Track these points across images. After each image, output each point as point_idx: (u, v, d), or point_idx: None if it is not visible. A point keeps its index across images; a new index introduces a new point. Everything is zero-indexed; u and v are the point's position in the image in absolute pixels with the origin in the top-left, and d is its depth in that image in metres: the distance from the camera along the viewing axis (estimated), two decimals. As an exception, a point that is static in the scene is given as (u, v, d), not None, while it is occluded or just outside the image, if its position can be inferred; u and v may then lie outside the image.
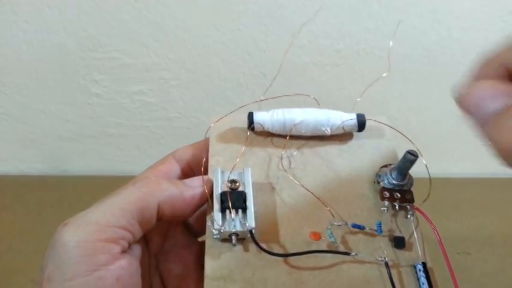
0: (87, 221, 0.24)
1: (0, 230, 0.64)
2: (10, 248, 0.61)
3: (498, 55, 0.22)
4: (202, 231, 0.31)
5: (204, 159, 0.30)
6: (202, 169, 0.30)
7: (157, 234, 0.29)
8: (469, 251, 0.55)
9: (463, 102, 0.20)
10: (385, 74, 0.33)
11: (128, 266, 0.24)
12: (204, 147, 0.31)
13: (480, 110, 0.19)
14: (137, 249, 0.27)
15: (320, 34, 0.63)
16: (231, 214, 0.26)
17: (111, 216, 0.24)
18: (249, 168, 0.29)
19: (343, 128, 0.31)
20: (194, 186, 0.28)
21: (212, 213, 0.27)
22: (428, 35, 0.63)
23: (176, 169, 0.31)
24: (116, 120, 0.71)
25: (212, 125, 0.32)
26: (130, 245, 0.25)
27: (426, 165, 0.30)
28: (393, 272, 0.26)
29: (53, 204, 0.68)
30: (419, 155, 0.27)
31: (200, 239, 0.33)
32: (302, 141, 0.32)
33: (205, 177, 0.29)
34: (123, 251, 0.25)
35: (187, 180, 0.29)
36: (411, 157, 0.27)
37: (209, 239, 0.27)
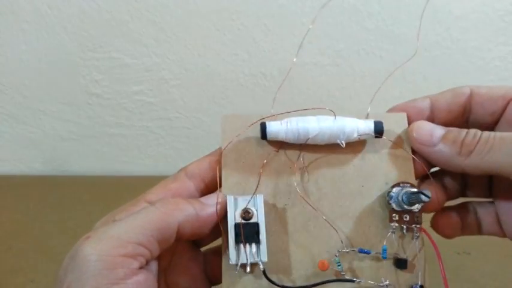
0: (109, 235, 0.25)
1: (0, 230, 0.64)
2: (10, 248, 0.61)
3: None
4: (206, 242, 0.32)
5: (218, 171, 0.30)
6: (218, 183, 0.30)
7: (168, 250, 0.29)
8: (469, 251, 0.55)
9: (417, 137, 0.30)
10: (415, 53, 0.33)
11: (144, 281, 0.25)
12: (216, 159, 0.31)
13: (431, 136, 0.29)
14: (153, 266, 0.27)
15: (320, 34, 0.63)
16: (245, 248, 0.27)
17: (132, 233, 0.25)
18: (262, 196, 0.29)
19: (358, 137, 0.30)
20: (210, 205, 0.28)
21: (227, 245, 0.28)
22: (428, 35, 0.63)
23: (189, 186, 0.30)
24: (116, 120, 0.71)
25: (223, 145, 0.31)
26: (147, 262, 0.26)
27: (429, 174, 0.30)
28: None
29: (53, 204, 0.68)
30: (430, 195, 0.28)
31: (203, 249, 0.33)
32: (315, 151, 0.31)
33: (220, 194, 0.29)
34: (141, 267, 0.25)
35: (203, 199, 0.29)
36: (425, 199, 0.27)
37: (225, 265, 0.28)
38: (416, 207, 0.29)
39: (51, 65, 0.65)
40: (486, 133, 0.28)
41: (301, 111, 0.30)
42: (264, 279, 0.28)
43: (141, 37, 0.62)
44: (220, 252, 0.29)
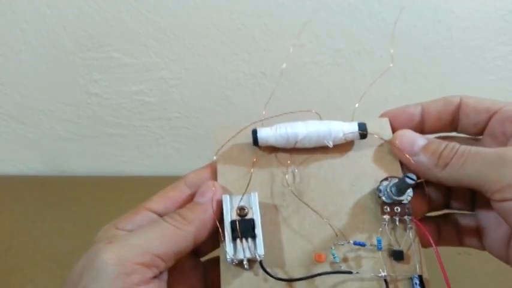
0: (129, 243, 0.26)
1: (0, 230, 0.64)
2: (9, 248, 0.61)
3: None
4: (206, 251, 0.33)
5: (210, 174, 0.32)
6: (210, 174, 0.31)
7: None
8: (469, 251, 0.55)
9: (399, 146, 0.31)
10: (391, 65, 0.34)
11: None
12: (214, 168, 0.32)
13: (413, 146, 0.30)
14: (165, 276, 0.28)
15: (320, 34, 0.63)
16: (242, 243, 0.28)
17: (151, 244, 0.26)
18: (256, 193, 0.30)
19: (345, 139, 0.32)
20: (207, 202, 0.29)
21: (224, 242, 0.28)
22: (428, 35, 0.63)
23: (187, 195, 0.31)
24: (116, 120, 0.70)
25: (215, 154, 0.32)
26: (161, 272, 0.27)
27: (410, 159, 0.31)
28: (392, 285, 0.28)
29: (53, 204, 0.68)
30: (416, 178, 0.28)
31: (203, 259, 0.33)
32: (306, 155, 0.32)
33: (214, 184, 0.30)
34: (154, 277, 0.27)
35: (198, 196, 0.30)
36: (409, 181, 0.28)
37: (223, 264, 0.29)
38: (405, 199, 0.30)
39: (51, 64, 0.65)
40: (463, 147, 0.29)
41: (289, 115, 0.32)
42: (262, 276, 0.28)
43: (141, 37, 0.62)
44: (219, 262, 0.29)
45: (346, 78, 0.67)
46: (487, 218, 0.31)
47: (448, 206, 0.34)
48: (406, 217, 0.30)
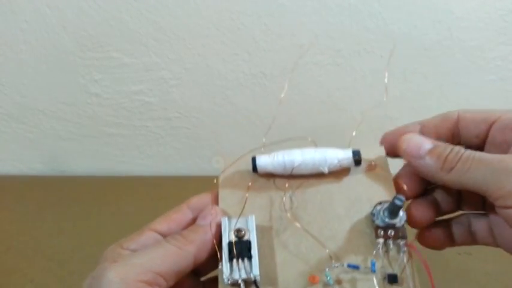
0: (132, 262, 0.28)
1: (0, 230, 0.64)
2: (9, 248, 0.61)
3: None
4: (206, 272, 0.34)
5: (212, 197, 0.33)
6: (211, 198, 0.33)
7: None
8: (469, 251, 0.55)
9: (406, 149, 0.31)
10: (385, 99, 0.34)
11: None
12: (216, 194, 0.34)
13: (419, 150, 0.31)
14: None
15: (320, 34, 0.63)
16: (238, 263, 0.29)
17: (153, 263, 0.28)
18: (253, 216, 0.31)
19: (340, 165, 0.33)
20: (207, 225, 0.31)
21: (221, 262, 0.30)
22: (428, 35, 0.63)
23: (189, 217, 0.33)
24: (116, 120, 0.71)
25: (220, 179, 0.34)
26: None
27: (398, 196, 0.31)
28: None
29: (53, 204, 0.68)
30: (404, 200, 0.29)
31: (203, 279, 0.34)
32: (302, 180, 0.33)
33: (214, 208, 0.32)
34: None
35: (200, 219, 0.31)
36: (398, 203, 0.29)
37: (221, 285, 0.30)
38: (399, 222, 0.30)
39: (51, 64, 0.65)
40: (467, 152, 0.29)
41: (285, 144, 0.33)
42: None
43: (141, 37, 0.62)
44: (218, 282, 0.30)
45: (346, 78, 0.67)
46: (496, 220, 0.32)
47: (460, 208, 0.35)
48: (399, 240, 0.30)
